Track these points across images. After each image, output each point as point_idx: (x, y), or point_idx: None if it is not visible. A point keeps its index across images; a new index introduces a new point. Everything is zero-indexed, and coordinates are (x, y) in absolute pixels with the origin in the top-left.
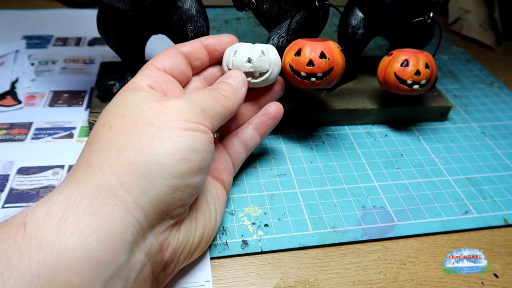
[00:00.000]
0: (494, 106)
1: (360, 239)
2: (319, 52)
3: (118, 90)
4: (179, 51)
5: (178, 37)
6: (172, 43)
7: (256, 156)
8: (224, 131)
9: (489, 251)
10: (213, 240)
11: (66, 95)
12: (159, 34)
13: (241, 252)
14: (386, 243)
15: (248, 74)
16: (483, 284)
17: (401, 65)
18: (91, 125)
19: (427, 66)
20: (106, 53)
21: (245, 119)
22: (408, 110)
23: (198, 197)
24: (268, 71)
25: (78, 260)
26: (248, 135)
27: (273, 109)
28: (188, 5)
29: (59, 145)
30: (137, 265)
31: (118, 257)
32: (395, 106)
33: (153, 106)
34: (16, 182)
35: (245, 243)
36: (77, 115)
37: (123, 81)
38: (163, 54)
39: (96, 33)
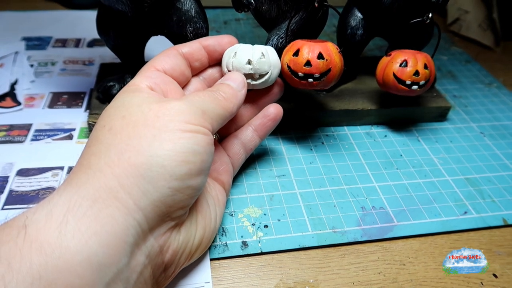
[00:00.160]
0: (493, 106)
1: (359, 240)
2: (317, 53)
3: (118, 91)
4: (179, 52)
5: (178, 38)
6: (171, 44)
7: (256, 157)
8: (223, 133)
9: (488, 251)
10: (213, 241)
11: (65, 96)
12: (159, 35)
13: (241, 253)
14: (386, 244)
15: (247, 75)
16: (482, 284)
17: (400, 65)
18: (90, 126)
19: (425, 66)
20: (105, 54)
21: (245, 121)
22: (407, 110)
23: (198, 199)
24: (267, 73)
25: (79, 262)
26: (247, 136)
27: (273, 110)
28: (188, 6)
29: (58, 147)
30: (137, 267)
31: (119, 259)
32: (394, 107)
33: (153, 108)
34: (16, 184)
35: (244, 244)
36: (76, 117)
37: (122, 82)
38: (163, 55)
39: (95, 34)
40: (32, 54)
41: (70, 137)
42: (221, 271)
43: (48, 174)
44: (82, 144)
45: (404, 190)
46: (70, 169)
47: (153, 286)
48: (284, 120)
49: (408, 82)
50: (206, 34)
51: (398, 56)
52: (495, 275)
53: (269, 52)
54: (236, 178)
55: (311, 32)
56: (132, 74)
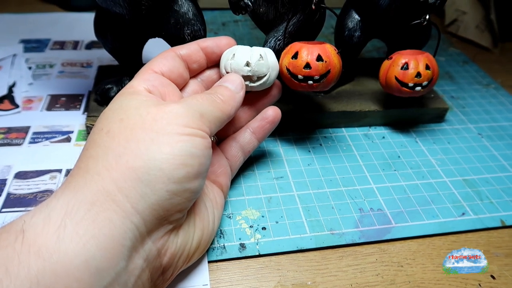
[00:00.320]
0: (491, 107)
1: (357, 242)
2: (316, 55)
3: (116, 93)
4: (177, 54)
5: (175, 40)
6: (169, 46)
7: (254, 159)
8: (221, 135)
9: (486, 252)
10: (211, 244)
11: (63, 99)
12: (156, 38)
13: (239, 255)
14: (384, 245)
15: (246, 77)
16: (480, 285)
17: (401, 68)
18: (88, 129)
19: (427, 67)
20: (103, 56)
21: (243, 123)
22: (405, 111)
23: (196, 201)
24: (266, 75)
25: (77, 266)
26: (246, 139)
27: (271, 113)
28: (185, 8)
29: (56, 149)
30: (135, 271)
31: (116, 263)
32: (392, 108)
33: (151, 111)
34: (14, 187)
35: (242, 246)
36: (74, 119)
37: (120, 85)
38: (161, 57)
39: (93, 37)
40: (30, 56)
41: (68, 140)
42: (219, 274)
43: (46, 176)
44: (80, 147)
45: (402, 192)
46: (68, 171)
47: None
48: (282, 122)
49: (410, 84)
50: (203, 36)
51: (399, 59)
52: (493, 277)
53: (268, 54)
54: (234, 180)
55: (308, 34)
56: (130, 76)
